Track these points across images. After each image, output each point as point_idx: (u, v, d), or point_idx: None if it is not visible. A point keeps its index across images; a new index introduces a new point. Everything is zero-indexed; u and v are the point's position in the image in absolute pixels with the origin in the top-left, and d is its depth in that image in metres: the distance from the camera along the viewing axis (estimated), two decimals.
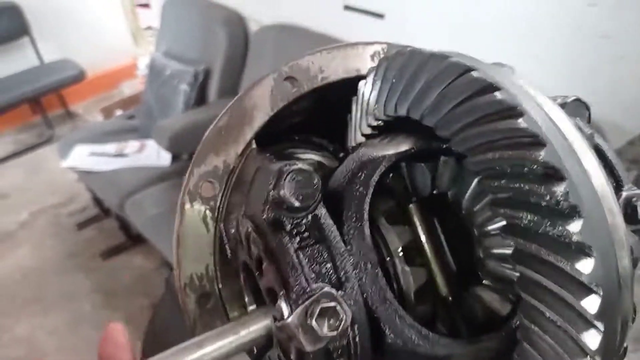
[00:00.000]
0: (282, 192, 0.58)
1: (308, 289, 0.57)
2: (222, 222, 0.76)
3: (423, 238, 0.72)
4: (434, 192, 0.73)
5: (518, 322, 0.64)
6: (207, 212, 0.76)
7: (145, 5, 6.70)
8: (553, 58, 2.87)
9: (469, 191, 0.72)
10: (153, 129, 4.42)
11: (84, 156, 4.74)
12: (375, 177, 0.64)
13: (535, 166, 0.55)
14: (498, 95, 0.56)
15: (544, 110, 0.58)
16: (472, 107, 0.59)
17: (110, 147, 4.78)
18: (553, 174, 0.54)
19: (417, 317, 0.64)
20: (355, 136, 0.80)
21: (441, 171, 0.72)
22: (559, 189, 0.53)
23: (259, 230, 0.61)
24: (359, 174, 0.65)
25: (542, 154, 0.54)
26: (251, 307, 0.75)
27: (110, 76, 6.96)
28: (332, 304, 0.54)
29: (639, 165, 2.20)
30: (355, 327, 0.58)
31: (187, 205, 0.76)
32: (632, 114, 2.52)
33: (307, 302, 0.55)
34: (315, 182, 0.59)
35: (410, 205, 0.72)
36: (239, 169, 0.77)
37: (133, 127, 5.19)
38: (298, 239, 0.59)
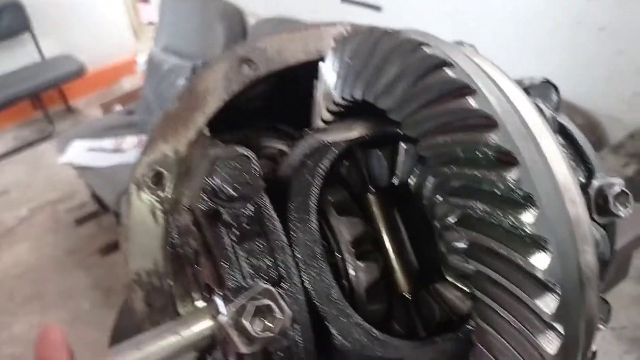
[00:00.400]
0: (216, 180, 0.54)
1: (244, 285, 0.53)
2: (172, 214, 0.71)
3: (382, 231, 0.68)
4: (395, 182, 0.68)
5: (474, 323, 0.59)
6: (156, 203, 0.71)
7: (145, 0, 6.67)
8: (552, 51, 2.81)
9: (430, 181, 0.67)
10: (150, 124, 4.39)
11: (81, 152, 4.71)
12: (325, 165, 0.60)
13: (487, 150, 0.50)
14: (448, 72, 0.51)
15: (500, 90, 0.53)
16: (422, 87, 0.54)
17: (108, 143, 4.74)
18: (505, 159, 0.49)
19: (369, 316, 0.60)
20: (317, 122, 0.75)
21: (402, 159, 0.68)
22: (511, 175, 0.48)
23: (196, 222, 0.57)
24: (307, 162, 0.60)
25: (493, 137, 0.49)
26: (199, 305, 0.70)
27: (111, 71, 6.93)
28: (268, 302, 0.50)
29: (639, 159, 2.14)
30: (297, 327, 0.54)
31: (135, 196, 0.71)
32: (631, 107, 2.45)
33: (241, 300, 0.50)
34: (253, 169, 0.54)
35: (369, 196, 0.68)
36: (190, 158, 0.72)
37: (132, 123, 5.15)
38: (236, 231, 0.54)
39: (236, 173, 0.54)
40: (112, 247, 5.05)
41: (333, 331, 0.56)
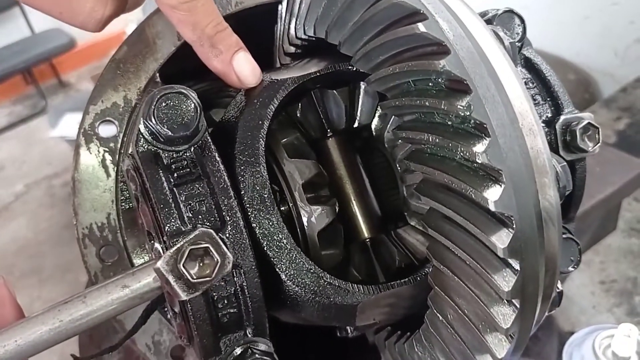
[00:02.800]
0: (153, 121, 0.50)
1: (182, 230, 0.50)
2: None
3: (343, 176, 0.64)
4: (355, 125, 0.65)
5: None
6: (107, 155, 0.68)
7: None
8: (543, 7, 2.73)
9: (391, 122, 0.63)
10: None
11: (73, 125, 4.67)
12: (273, 104, 0.56)
13: (438, 78, 0.46)
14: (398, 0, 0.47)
15: (455, 16, 0.49)
16: (371, 15, 0.50)
17: None
18: (457, 86, 0.46)
19: (323, 262, 0.57)
20: (276, 66, 0.72)
21: (361, 100, 0.64)
22: (462, 102, 0.45)
23: (136, 166, 0.54)
24: (255, 101, 0.57)
25: (443, 63, 0.45)
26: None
27: (101, 44, 6.82)
28: (205, 245, 0.47)
29: (631, 113, 2.09)
30: (242, 272, 0.51)
31: (83, 148, 0.68)
32: (624, 61, 2.39)
33: (178, 245, 0.47)
34: (192, 108, 0.51)
35: (327, 140, 0.64)
36: (140, 107, 0.69)
37: None
38: (175, 174, 0.51)
39: (173, 113, 0.51)
40: None
41: (283, 277, 0.53)
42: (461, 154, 0.46)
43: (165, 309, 0.67)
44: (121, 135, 0.68)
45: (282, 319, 0.61)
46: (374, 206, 0.65)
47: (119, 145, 0.68)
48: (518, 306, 0.48)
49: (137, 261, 0.69)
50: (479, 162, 0.44)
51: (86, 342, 1.10)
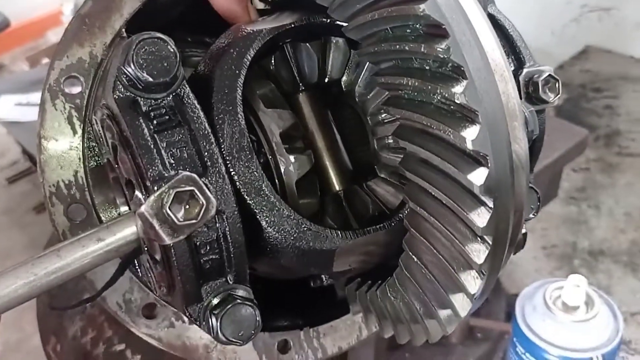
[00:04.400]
0: (132, 67, 0.50)
1: (165, 175, 0.50)
2: (90, 123, 0.67)
3: (314, 130, 0.66)
4: (326, 80, 0.66)
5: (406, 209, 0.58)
6: (73, 111, 0.67)
7: None
8: None
9: (362, 76, 0.65)
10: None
11: (9, 107, 4.46)
12: (249, 54, 0.56)
13: (417, 23, 0.48)
14: None
15: None
16: None
17: (37, 97, 4.51)
18: (435, 31, 0.47)
19: (301, 210, 0.58)
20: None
21: (332, 55, 0.65)
22: (441, 46, 0.47)
23: (113, 115, 0.53)
24: (231, 51, 0.57)
25: (422, 7, 0.47)
26: (124, 210, 0.67)
27: (36, 24, 6.53)
28: (190, 188, 0.47)
29: (568, 89, 2.20)
30: (224, 218, 0.52)
31: (49, 104, 0.66)
32: (561, 39, 2.50)
33: (162, 189, 0.47)
34: (171, 53, 0.50)
35: (299, 94, 0.65)
36: (107, 62, 0.67)
37: None
38: (155, 121, 0.51)
39: (152, 58, 0.50)
40: None
41: (263, 224, 0.54)
42: (439, 96, 0.48)
43: (137, 267, 0.66)
44: (87, 91, 0.67)
45: (258, 270, 0.62)
46: (345, 160, 0.66)
47: (85, 102, 0.67)
48: (490, 243, 0.50)
49: (105, 216, 0.68)
50: (458, 102, 0.46)
51: (44, 312, 1.08)
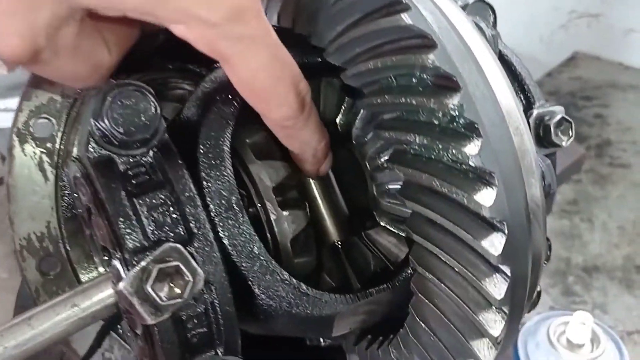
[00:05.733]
0: (106, 122, 0.45)
1: (146, 245, 0.44)
2: (64, 168, 0.61)
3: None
4: None
5: (412, 270, 0.54)
6: (44, 156, 0.61)
7: None
8: None
9: (359, 117, 0.60)
10: None
11: None
12: (238, 100, 0.51)
13: (424, 74, 0.43)
14: None
15: (436, 6, 0.46)
16: (346, 4, 0.46)
17: (14, 102, 4.41)
18: (445, 83, 0.43)
19: (296, 270, 0.53)
20: None
21: (325, 95, 0.60)
22: (452, 101, 0.42)
23: (86, 174, 0.48)
24: (218, 97, 0.52)
25: (431, 58, 0.42)
26: (102, 271, 0.62)
27: None
28: (175, 263, 0.42)
29: (557, 96, 2.18)
30: (213, 289, 0.46)
31: (17, 150, 0.60)
32: (549, 46, 2.48)
33: (143, 263, 0.42)
34: (151, 106, 0.45)
35: None
36: (81, 102, 0.62)
37: None
38: (134, 182, 0.46)
39: (130, 112, 0.45)
40: None
41: (256, 290, 0.49)
42: (450, 155, 0.43)
43: (119, 325, 0.61)
44: (59, 133, 0.61)
45: (250, 332, 0.57)
46: (342, 206, 0.61)
47: (57, 146, 0.61)
48: (507, 312, 0.46)
49: (83, 274, 0.63)
50: (472, 165, 0.42)
51: None
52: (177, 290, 0.42)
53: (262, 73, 0.46)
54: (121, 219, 0.44)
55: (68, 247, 0.62)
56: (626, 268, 1.61)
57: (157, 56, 0.78)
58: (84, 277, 0.63)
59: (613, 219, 1.75)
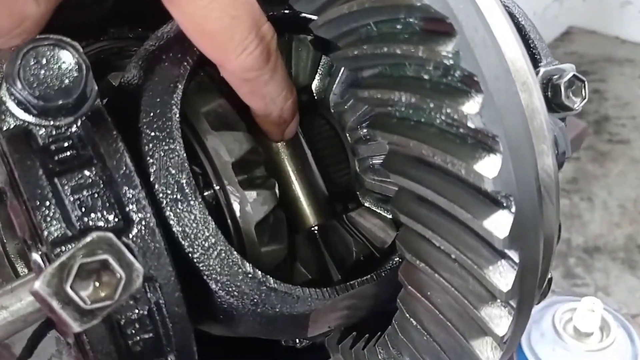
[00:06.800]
0: (19, 86, 0.36)
1: (69, 235, 0.36)
2: None
3: (280, 150, 0.52)
4: None
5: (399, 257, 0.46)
6: None
7: None
8: None
9: (338, 81, 0.52)
10: None
11: None
12: (191, 60, 0.43)
13: (411, 17, 0.35)
14: None
15: None
16: None
17: None
18: (437, 27, 0.34)
19: (263, 261, 0.45)
20: None
21: (299, 56, 0.52)
22: (446, 48, 0.34)
23: (0, 149, 0.39)
24: (164, 57, 0.43)
25: None
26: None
27: None
28: (102, 256, 0.34)
29: None
30: (157, 286, 0.38)
31: None
32: (543, 21, 2.39)
33: (63, 257, 0.34)
34: (73, 64, 0.37)
35: None
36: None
37: None
38: (56, 159, 0.37)
39: (48, 73, 0.36)
40: None
41: (214, 286, 0.41)
42: (444, 116, 0.35)
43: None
44: None
45: (213, 333, 0.49)
46: (320, 185, 0.53)
47: None
48: (514, 306, 0.38)
49: (23, 269, 0.55)
50: (471, 127, 0.34)
51: None
52: (106, 290, 0.34)
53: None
54: (37, 203, 0.35)
55: (4, 239, 0.54)
56: (628, 248, 1.54)
57: (114, 23, 0.70)
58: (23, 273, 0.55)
59: (613, 198, 1.68)
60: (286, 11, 0.47)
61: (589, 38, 2.40)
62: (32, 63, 0.36)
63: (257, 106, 0.46)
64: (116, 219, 0.37)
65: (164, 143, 0.41)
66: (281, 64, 0.44)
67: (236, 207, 0.44)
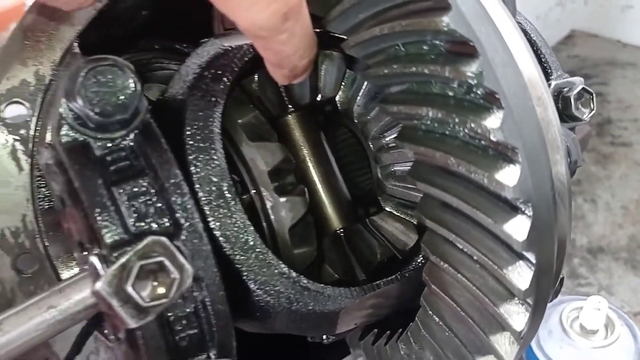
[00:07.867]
0: (79, 102, 0.40)
1: (126, 239, 0.39)
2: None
3: (307, 158, 0.56)
4: (318, 99, 0.56)
5: (423, 259, 0.49)
6: (18, 144, 0.56)
7: None
8: None
9: (361, 93, 0.55)
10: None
11: None
12: (229, 77, 0.46)
13: (437, 39, 0.38)
14: None
15: None
16: None
17: None
18: (461, 49, 0.38)
19: (296, 262, 0.48)
20: (219, 29, 0.62)
21: (325, 69, 0.55)
22: (470, 69, 0.37)
23: (58, 160, 0.43)
24: (206, 74, 0.47)
25: (445, 21, 0.37)
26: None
27: None
28: (159, 258, 0.37)
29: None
30: (203, 285, 0.42)
31: None
32: (545, 24, 2.42)
33: (122, 260, 0.37)
34: (130, 83, 0.40)
35: (288, 118, 0.55)
36: (57, 84, 0.56)
37: None
38: (112, 169, 0.41)
39: (106, 90, 0.40)
40: None
41: (252, 286, 0.44)
42: (467, 130, 0.38)
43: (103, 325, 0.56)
44: (34, 119, 0.56)
45: (246, 330, 0.52)
46: (344, 191, 0.56)
47: (31, 132, 0.56)
48: (531, 303, 0.41)
49: (64, 271, 0.58)
50: (493, 140, 0.37)
51: None
52: (162, 290, 0.37)
53: None
54: (98, 210, 0.39)
55: (47, 243, 0.57)
56: (631, 248, 1.57)
57: (142, 36, 0.73)
58: (65, 275, 0.58)
59: (616, 199, 1.71)
60: (317, 30, 0.50)
61: (591, 41, 2.44)
62: (92, 81, 0.40)
63: (270, 59, 0.44)
64: (167, 224, 0.41)
65: (206, 153, 0.45)
66: (305, 24, 0.42)
67: (271, 212, 0.48)
